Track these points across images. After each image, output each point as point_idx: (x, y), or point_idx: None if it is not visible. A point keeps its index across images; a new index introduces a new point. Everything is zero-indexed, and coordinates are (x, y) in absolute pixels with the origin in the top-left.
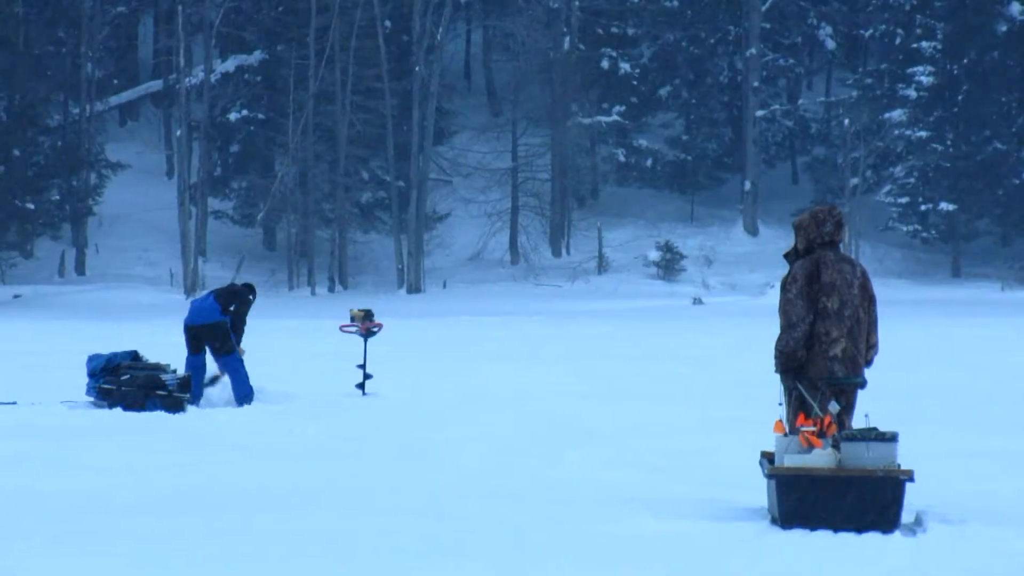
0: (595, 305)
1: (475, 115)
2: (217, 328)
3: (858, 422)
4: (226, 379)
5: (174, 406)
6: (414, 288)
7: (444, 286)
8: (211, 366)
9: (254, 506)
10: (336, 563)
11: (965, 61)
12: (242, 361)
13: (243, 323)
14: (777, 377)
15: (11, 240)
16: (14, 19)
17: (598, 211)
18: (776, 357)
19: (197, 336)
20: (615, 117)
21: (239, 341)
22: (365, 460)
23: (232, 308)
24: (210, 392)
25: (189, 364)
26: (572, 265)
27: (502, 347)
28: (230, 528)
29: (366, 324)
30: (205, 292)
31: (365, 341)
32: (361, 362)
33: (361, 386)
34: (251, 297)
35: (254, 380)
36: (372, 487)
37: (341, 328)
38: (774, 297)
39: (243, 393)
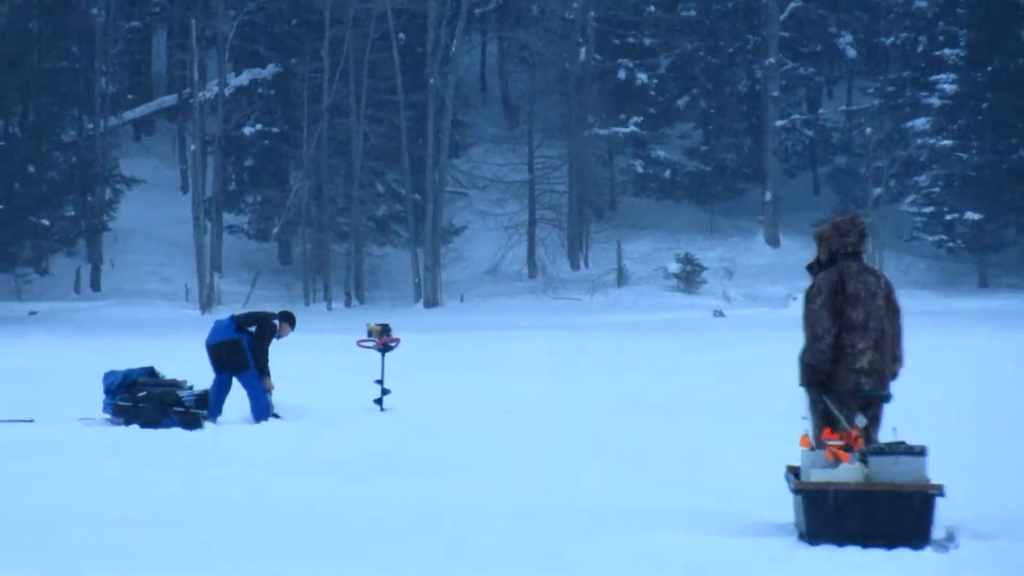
0: (614, 318)
1: (491, 127)
2: (229, 346)
3: (885, 436)
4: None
5: (191, 423)
6: (431, 302)
7: (461, 300)
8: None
9: (271, 523)
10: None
11: (989, 68)
12: (259, 378)
13: (264, 351)
14: (802, 390)
15: (26, 257)
16: (28, 35)
17: (616, 223)
18: (801, 370)
19: (214, 355)
20: (632, 128)
21: (263, 370)
22: (383, 477)
23: (252, 329)
24: (226, 408)
25: (213, 383)
26: (591, 278)
27: (521, 361)
28: (247, 545)
29: (383, 339)
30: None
31: (383, 356)
32: (379, 377)
33: (379, 401)
34: (276, 323)
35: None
36: (391, 504)
37: (358, 343)
38: (797, 309)
39: (260, 410)
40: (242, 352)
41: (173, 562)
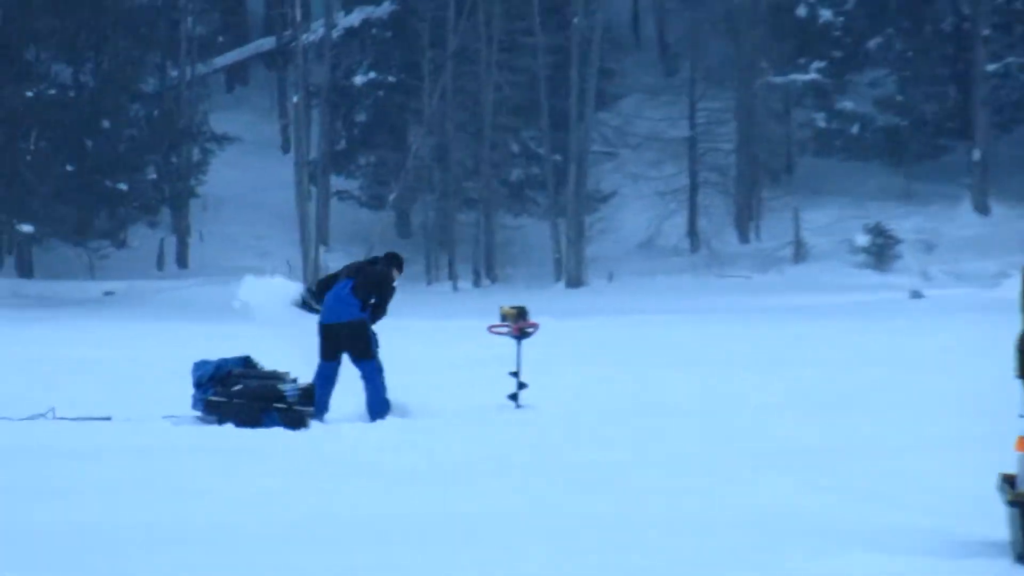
0: (791, 300)
1: (645, 75)
2: (355, 328)
3: None
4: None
5: (295, 422)
6: (574, 281)
7: (610, 279)
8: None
9: (390, 539)
10: None
11: None
12: (382, 370)
13: (384, 311)
14: (1018, 383)
15: (101, 228)
16: None
17: (793, 188)
18: (1018, 360)
19: (332, 337)
20: (813, 75)
21: (375, 321)
22: (521, 485)
23: (374, 300)
24: (333, 405)
25: (320, 372)
26: (763, 253)
27: (680, 351)
28: (363, 565)
29: (519, 324)
30: (343, 279)
31: (518, 344)
32: (514, 369)
33: (514, 397)
34: (397, 271)
35: (388, 391)
36: (530, 516)
37: (490, 329)
38: (1011, 289)
39: (378, 407)
40: (368, 337)
41: None
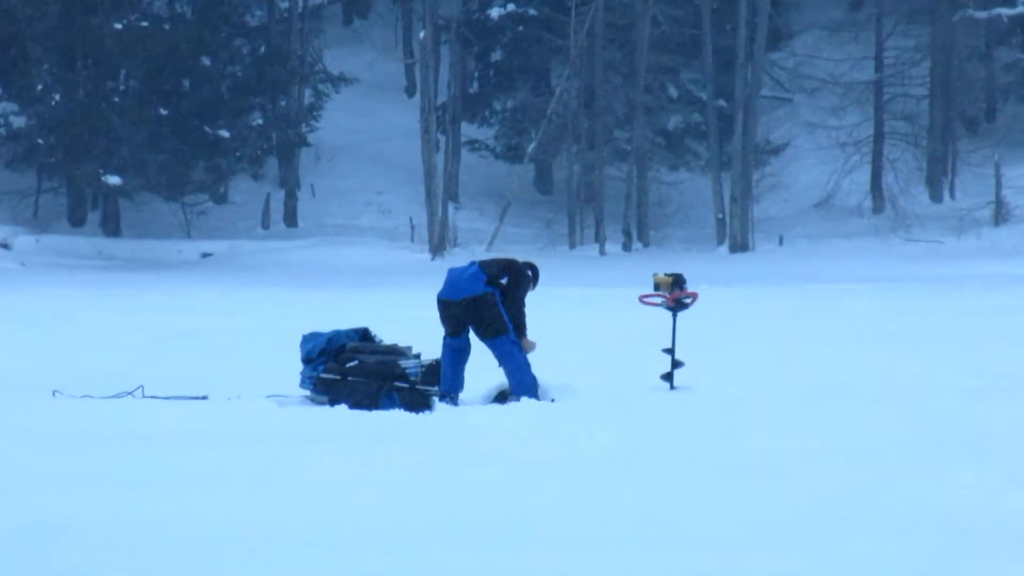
0: (990, 267)
1: (824, 9)
2: (481, 303)
3: None
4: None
5: (418, 403)
6: (739, 245)
7: (780, 242)
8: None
9: (522, 539)
10: None
11: None
12: (518, 344)
13: (520, 310)
14: None
15: (199, 181)
16: None
17: (995, 139)
18: None
19: (452, 313)
20: (1021, 8)
21: (522, 331)
22: (676, 479)
23: (504, 282)
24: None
25: (446, 348)
26: (958, 213)
27: (860, 325)
28: (490, 569)
29: (675, 294)
30: (470, 262)
31: (674, 317)
32: (668, 345)
33: (668, 377)
34: (532, 283)
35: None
36: (688, 514)
37: (641, 299)
38: None
39: (523, 384)
40: (498, 311)
41: None
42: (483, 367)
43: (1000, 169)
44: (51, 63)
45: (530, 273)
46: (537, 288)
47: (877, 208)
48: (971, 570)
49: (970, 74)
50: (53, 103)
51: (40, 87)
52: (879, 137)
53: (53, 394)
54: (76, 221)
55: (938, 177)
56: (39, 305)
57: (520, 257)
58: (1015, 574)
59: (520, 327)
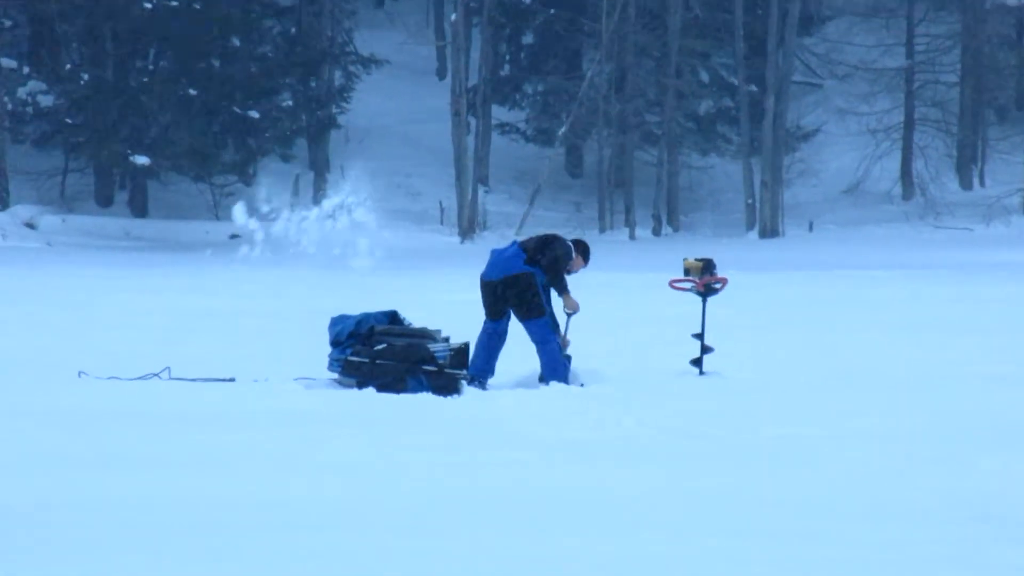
0: (1018, 256)
1: None
2: (520, 282)
3: None
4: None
5: (447, 386)
6: (769, 230)
7: (810, 228)
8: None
9: (549, 523)
10: None
11: None
12: (554, 329)
13: (560, 277)
14: None
15: (228, 161)
16: None
17: None
18: None
19: (494, 295)
20: None
21: (562, 290)
22: (704, 464)
23: (541, 259)
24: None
25: (484, 332)
26: (988, 201)
27: (889, 312)
28: (517, 552)
29: (705, 279)
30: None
31: (704, 302)
32: (698, 331)
33: (698, 362)
34: (571, 245)
35: None
36: (714, 498)
37: (671, 284)
38: None
39: (555, 369)
40: (537, 292)
41: (426, 572)
42: (513, 354)
43: None
44: (79, 42)
45: (572, 247)
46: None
47: (907, 195)
48: (996, 556)
49: (1000, 61)
50: (81, 82)
51: (68, 66)
52: (909, 124)
53: (79, 375)
54: (103, 201)
55: (968, 164)
56: (65, 286)
57: (569, 236)
58: None
59: (561, 289)
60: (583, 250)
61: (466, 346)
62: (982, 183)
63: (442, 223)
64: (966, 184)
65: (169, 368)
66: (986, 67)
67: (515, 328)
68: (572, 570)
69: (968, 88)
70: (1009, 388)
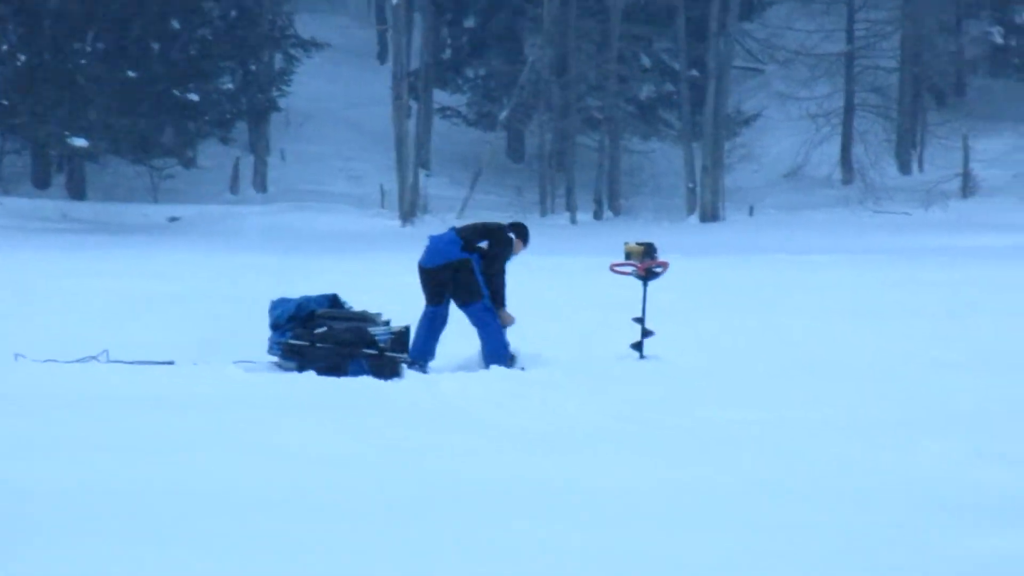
0: (958, 240)
1: None
2: (457, 270)
3: None
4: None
5: (386, 370)
6: (710, 215)
7: (750, 213)
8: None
9: (490, 510)
10: None
11: None
12: (493, 310)
13: (500, 273)
14: None
15: (167, 144)
16: None
17: (964, 112)
18: None
19: (432, 281)
20: None
21: (499, 300)
22: (643, 448)
23: (483, 245)
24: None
25: (424, 316)
26: (926, 186)
27: (830, 297)
28: (456, 538)
29: (646, 263)
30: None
31: (644, 286)
32: (638, 315)
33: (638, 346)
34: (511, 236)
35: None
36: (652, 484)
37: (612, 268)
38: None
39: (497, 351)
40: (474, 277)
41: (370, 560)
42: (455, 335)
43: (968, 142)
44: (16, 23)
45: (512, 235)
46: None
47: (846, 180)
48: (941, 539)
49: (940, 47)
50: (18, 63)
51: (5, 47)
52: (849, 109)
53: (15, 358)
54: (40, 183)
55: (907, 149)
56: (0, 268)
57: (506, 220)
58: (981, 544)
59: (499, 297)
60: (522, 233)
61: (407, 329)
62: (921, 168)
63: (383, 207)
64: (905, 169)
65: (107, 351)
66: (925, 53)
67: (455, 311)
68: (523, 555)
69: (907, 74)
70: (953, 373)
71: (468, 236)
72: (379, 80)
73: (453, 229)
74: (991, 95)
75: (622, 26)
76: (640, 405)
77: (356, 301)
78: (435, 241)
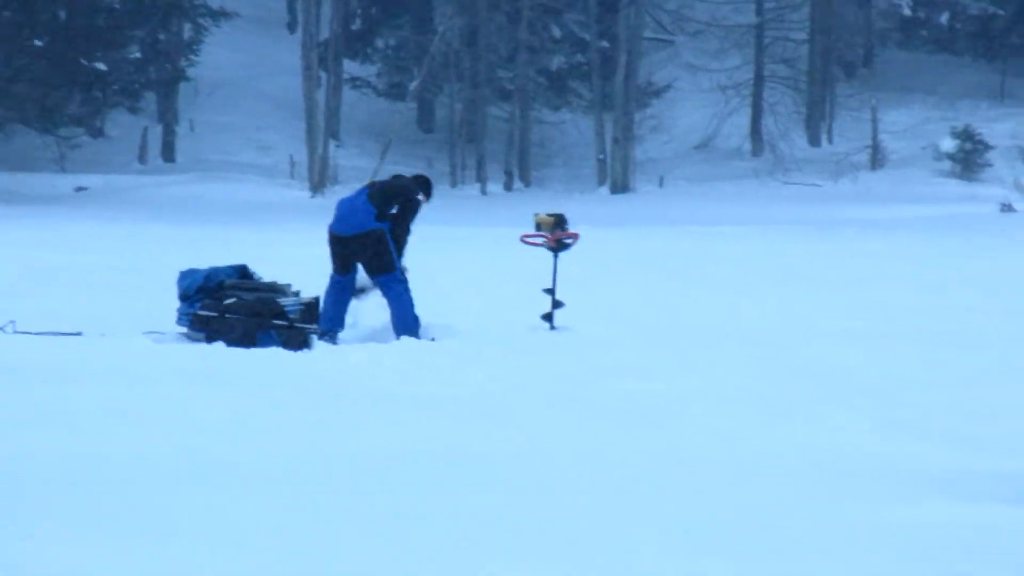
0: (866, 212)
1: None
2: (371, 239)
3: None
4: (379, 300)
5: (297, 341)
6: (620, 186)
7: (660, 184)
8: (362, 278)
9: (399, 479)
10: (527, 555)
11: None
12: (406, 283)
13: (407, 231)
14: None
15: (74, 113)
16: None
17: (873, 85)
18: None
19: (344, 249)
20: None
21: (401, 254)
22: (553, 418)
23: (393, 211)
24: (356, 318)
25: (332, 286)
26: (835, 157)
27: (739, 267)
28: (365, 509)
29: (556, 234)
30: (359, 188)
31: (555, 257)
32: (549, 286)
33: (548, 317)
34: (420, 196)
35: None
36: (562, 454)
37: (522, 239)
38: None
39: (406, 323)
40: (387, 248)
41: (277, 534)
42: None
43: (877, 114)
44: None
45: (420, 195)
46: (419, 228)
47: (756, 151)
48: (846, 508)
49: (849, 19)
50: None
51: None
52: (759, 80)
53: None
54: None
55: (816, 121)
56: None
57: (408, 173)
58: (877, 514)
59: (399, 251)
60: (426, 187)
61: (316, 300)
62: (830, 140)
63: (292, 177)
64: (814, 141)
65: (14, 322)
66: (834, 25)
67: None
68: (438, 526)
69: (817, 46)
70: (859, 343)
71: (380, 204)
72: (289, 50)
73: (366, 193)
74: (900, 67)
75: None
76: (550, 376)
77: (265, 272)
78: (347, 205)
